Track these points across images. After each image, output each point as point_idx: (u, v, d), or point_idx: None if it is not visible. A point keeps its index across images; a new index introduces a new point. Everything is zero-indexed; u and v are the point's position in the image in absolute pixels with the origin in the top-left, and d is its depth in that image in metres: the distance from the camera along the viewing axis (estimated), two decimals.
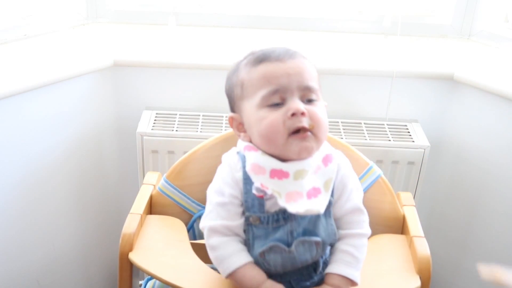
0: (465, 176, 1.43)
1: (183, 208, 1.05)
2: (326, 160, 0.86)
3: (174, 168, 1.04)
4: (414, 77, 1.40)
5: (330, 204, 0.86)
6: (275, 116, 0.81)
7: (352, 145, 1.07)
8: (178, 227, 1.00)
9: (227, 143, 1.05)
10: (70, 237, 1.46)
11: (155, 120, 1.35)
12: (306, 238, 0.83)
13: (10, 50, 1.33)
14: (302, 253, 0.83)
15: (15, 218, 1.30)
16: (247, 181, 0.84)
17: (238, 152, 0.89)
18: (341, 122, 1.38)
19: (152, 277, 0.92)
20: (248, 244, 0.85)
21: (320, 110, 0.84)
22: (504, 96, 1.30)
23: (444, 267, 1.55)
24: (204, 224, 0.86)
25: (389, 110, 1.43)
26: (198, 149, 1.05)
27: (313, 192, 0.83)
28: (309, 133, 0.82)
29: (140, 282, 1.04)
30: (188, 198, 1.05)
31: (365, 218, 0.89)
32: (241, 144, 0.89)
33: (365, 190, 1.02)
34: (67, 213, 1.43)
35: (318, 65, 1.39)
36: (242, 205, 0.85)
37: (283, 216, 0.83)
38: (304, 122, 0.81)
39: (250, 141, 0.87)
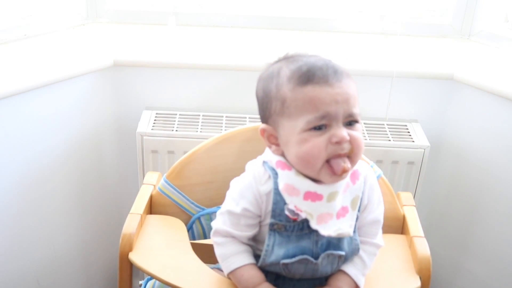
0: (465, 176, 1.43)
1: (182, 209, 1.05)
2: (354, 177, 0.85)
3: (174, 168, 1.04)
4: (414, 77, 1.40)
5: (356, 219, 0.85)
6: (319, 141, 0.78)
7: None
8: (178, 227, 1.00)
9: (227, 143, 1.05)
10: (70, 237, 1.46)
11: (155, 120, 1.35)
12: (333, 252, 0.83)
13: (10, 50, 1.33)
14: (324, 265, 0.84)
15: (15, 218, 1.30)
16: (277, 191, 0.82)
17: (264, 163, 0.85)
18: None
19: (152, 277, 0.92)
20: (266, 251, 0.83)
21: (360, 134, 0.81)
22: (504, 96, 1.30)
23: (444, 267, 1.55)
24: (213, 223, 0.87)
25: (389, 110, 1.43)
26: (198, 149, 1.05)
27: (342, 212, 0.83)
28: (348, 167, 0.79)
29: (140, 282, 1.04)
30: (187, 199, 1.05)
31: (380, 230, 0.90)
32: (272, 157, 0.85)
33: None
34: (67, 213, 1.43)
35: None
36: (258, 216, 0.84)
37: (308, 224, 0.82)
38: (346, 149, 0.79)
39: (282, 155, 0.84)
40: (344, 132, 0.78)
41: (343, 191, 0.83)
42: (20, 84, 1.21)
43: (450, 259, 1.53)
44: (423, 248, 0.93)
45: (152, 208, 1.05)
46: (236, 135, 1.04)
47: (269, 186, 0.83)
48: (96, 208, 1.52)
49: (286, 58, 0.84)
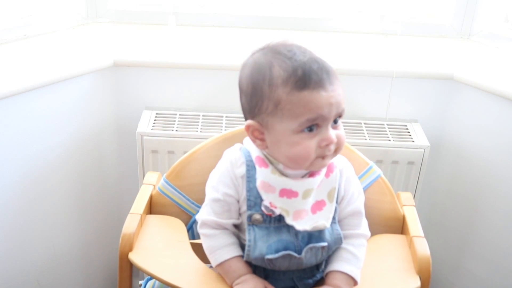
0: (465, 176, 1.43)
1: (182, 209, 1.05)
2: (328, 171, 0.87)
3: (174, 168, 1.04)
4: (414, 77, 1.40)
5: (334, 211, 0.87)
6: (309, 144, 0.80)
7: (352, 145, 1.07)
8: (178, 227, 1.00)
9: (227, 143, 1.05)
10: (70, 237, 1.46)
11: (155, 120, 1.35)
12: (315, 244, 0.85)
13: (10, 50, 1.33)
14: (308, 258, 0.86)
15: (15, 217, 1.30)
16: (250, 179, 0.85)
17: (241, 148, 0.89)
18: (341, 122, 1.37)
19: (152, 277, 0.92)
20: (249, 246, 0.85)
21: (343, 132, 0.85)
22: (504, 96, 1.30)
23: (444, 267, 1.55)
24: (198, 216, 0.90)
25: (389, 110, 1.43)
26: (198, 149, 1.05)
27: (318, 205, 0.85)
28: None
29: (140, 282, 1.05)
30: (187, 199, 1.05)
31: (364, 221, 0.92)
32: (253, 150, 0.87)
33: (365, 190, 1.02)
34: (67, 212, 1.43)
35: None
36: (238, 202, 0.87)
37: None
38: (332, 150, 0.82)
39: (265, 148, 0.85)
40: (332, 135, 0.80)
41: (318, 187, 0.85)
42: (20, 84, 1.21)
43: (450, 259, 1.53)
44: (423, 248, 0.93)
45: (152, 208, 1.05)
46: (236, 135, 1.04)
47: (243, 169, 0.86)
48: (96, 208, 1.52)
49: (274, 51, 0.85)
